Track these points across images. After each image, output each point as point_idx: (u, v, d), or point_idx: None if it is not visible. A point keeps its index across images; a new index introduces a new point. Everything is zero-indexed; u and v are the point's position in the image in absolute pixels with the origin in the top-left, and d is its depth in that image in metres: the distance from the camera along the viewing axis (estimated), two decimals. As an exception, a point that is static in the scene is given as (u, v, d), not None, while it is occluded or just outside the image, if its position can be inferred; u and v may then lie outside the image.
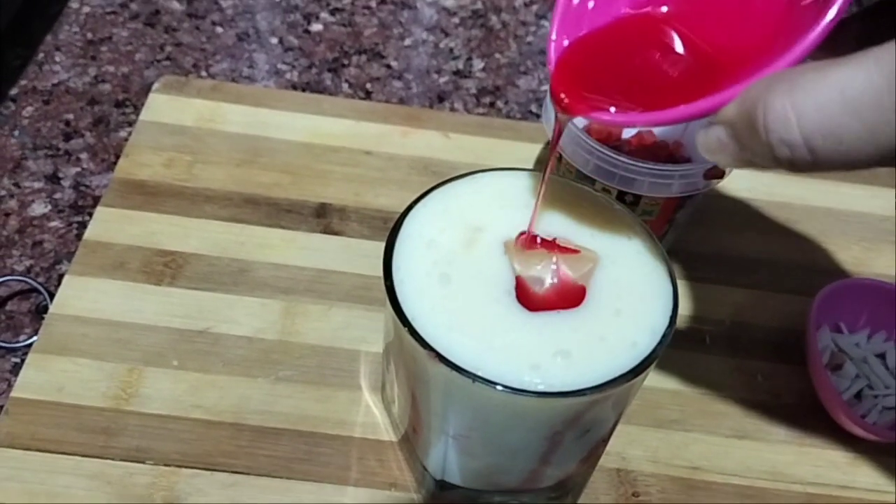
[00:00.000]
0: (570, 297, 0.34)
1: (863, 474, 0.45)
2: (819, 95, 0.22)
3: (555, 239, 0.35)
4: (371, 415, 0.45)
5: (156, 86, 0.59)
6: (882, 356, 0.48)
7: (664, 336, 0.33)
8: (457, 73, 0.66)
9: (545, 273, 0.34)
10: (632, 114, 0.30)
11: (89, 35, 0.65)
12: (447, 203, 0.37)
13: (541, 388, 0.31)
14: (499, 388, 0.31)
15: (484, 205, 0.37)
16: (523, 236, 0.35)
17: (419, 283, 0.34)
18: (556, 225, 0.36)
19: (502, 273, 0.34)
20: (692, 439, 0.46)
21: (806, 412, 0.47)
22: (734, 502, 0.44)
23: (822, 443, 0.46)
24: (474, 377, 0.31)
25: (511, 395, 0.31)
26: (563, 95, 0.32)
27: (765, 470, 0.45)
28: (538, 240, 0.35)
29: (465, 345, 0.32)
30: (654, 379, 0.47)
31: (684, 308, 0.51)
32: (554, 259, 0.35)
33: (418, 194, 0.37)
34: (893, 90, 0.20)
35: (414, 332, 0.32)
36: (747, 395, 0.48)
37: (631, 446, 0.45)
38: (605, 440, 0.39)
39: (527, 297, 0.34)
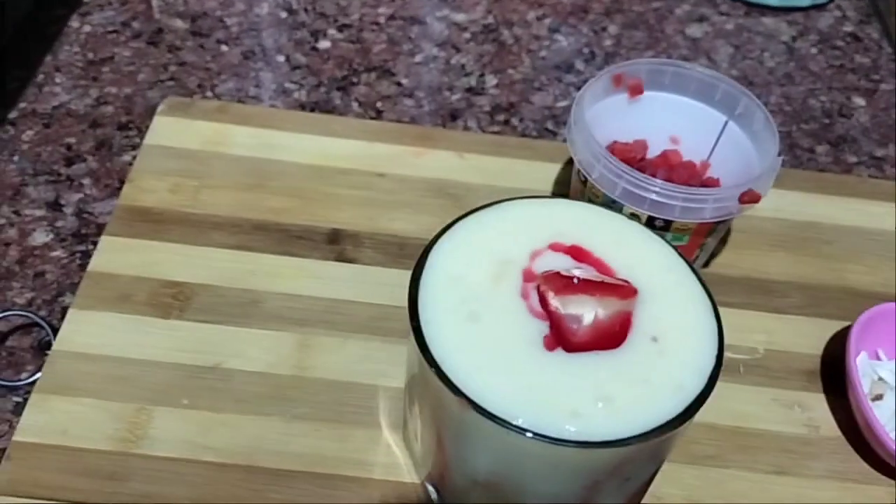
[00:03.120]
0: (609, 336, 0.32)
1: (910, 512, 0.43)
2: None
3: (591, 272, 0.33)
4: (392, 454, 0.42)
5: (160, 108, 0.57)
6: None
7: (712, 377, 0.31)
8: (469, 90, 0.64)
9: (582, 310, 0.32)
10: None
11: (90, 55, 0.63)
12: (473, 235, 0.35)
13: (581, 437, 0.29)
14: (534, 436, 0.29)
15: (511, 236, 0.35)
16: (557, 270, 0.33)
17: (446, 321, 0.32)
18: (590, 256, 0.34)
19: (535, 310, 0.32)
20: (729, 476, 0.43)
21: (847, 446, 0.45)
22: (775, 543, 0.41)
23: (864, 479, 0.44)
24: (509, 425, 0.29)
25: (548, 445, 0.29)
26: None
27: (806, 508, 0.43)
28: (574, 274, 0.33)
29: (497, 389, 0.30)
30: (687, 412, 0.45)
31: (715, 335, 0.49)
32: (591, 295, 0.32)
33: (435, 219, 0.35)
34: None
35: (442, 375, 0.30)
36: (785, 427, 0.45)
37: (666, 485, 0.43)
38: (648, 486, 0.37)
39: (563, 337, 0.32)
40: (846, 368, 0.44)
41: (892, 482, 0.44)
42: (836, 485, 0.44)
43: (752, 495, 0.43)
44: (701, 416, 0.45)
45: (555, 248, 0.34)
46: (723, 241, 0.54)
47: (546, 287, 0.33)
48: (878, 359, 0.47)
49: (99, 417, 0.42)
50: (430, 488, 0.40)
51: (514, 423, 0.29)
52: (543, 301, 0.32)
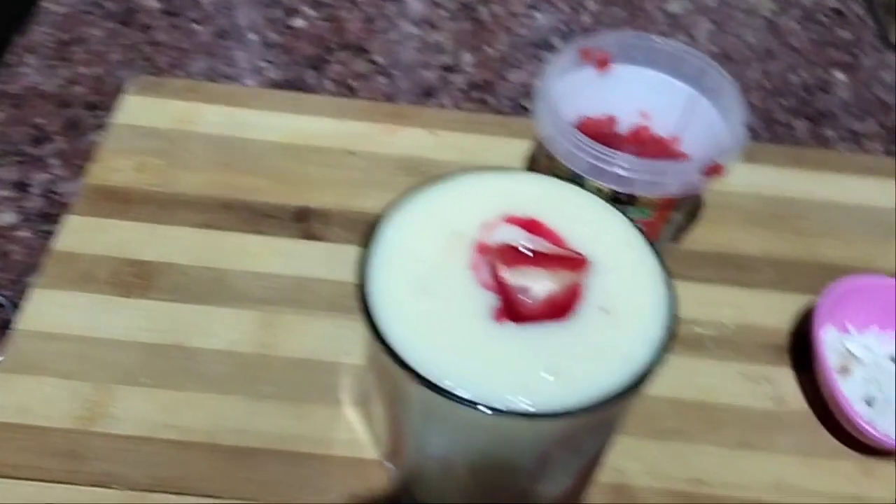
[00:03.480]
0: (559, 308, 0.31)
1: (875, 486, 0.43)
2: None
3: (543, 244, 0.33)
4: (353, 431, 0.42)
5: (130, 87, 0.56)
6: (893, 358, 0.46)
7: (662, 348, 0.31)
8: (445, 67, 0.64)
9: (532, 282, 0.32)
10: None
11: (62, 35, 0.63)
12: (427, 208, 0.34)
13: (529, 409, 0.29)
14: (484, 409, 0.29)
15: (465, 210, 0.34)
16: (510, 242, 0.33)
17: (395, 294, 0.32)
18: (544, 228, 0.34)
19: (486, 283, 0.32)
20: (693, 451, 0.43)
21: (814, 419, 0.45)
22: (739, 518, 0.41)
23: (831, 452, 0.44)
24: (456, 398, 0.29)
25: (497, 418, 0.29)
26: None
27: (770, 482, 0.42)
28: (526, 246, 0.32)
29: (444, 362, 0.30)
30: (653, 387, 0.45)
31: (683, 311, 0.48)
32: (541, 266, 0.32)
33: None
34: None
35: (389, 350, 0.30)
36: (751, 402, 0.45)
37: (629, 459, 0.42)
38: (600, 456, 0.36)
39: (513, 309, 0.31)
40: (812, 342, 0.44)
41: (859, 456, 0.44)
42: (801, 459, 0.43)
43: (717, 470, 0.43)
44: (665, 390, 0.45)
45: (508, 220, 0.34)
46: (695, 217, 0.53)
47: (496, 259, 0.32)
48: (847, 332, 0.47)
49: (61, 396, 0.42)
50: (389, 465, 0.40)
51: (462, 396, 0.29)
52: (494, 273, 0.32)
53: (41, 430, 0.41)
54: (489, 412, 0.29)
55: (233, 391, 0.43)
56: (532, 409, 0.29)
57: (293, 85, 0.61)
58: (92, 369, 0.43)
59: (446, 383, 0.29)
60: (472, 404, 0.29)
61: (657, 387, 0.45)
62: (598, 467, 0.38)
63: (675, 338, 0.31)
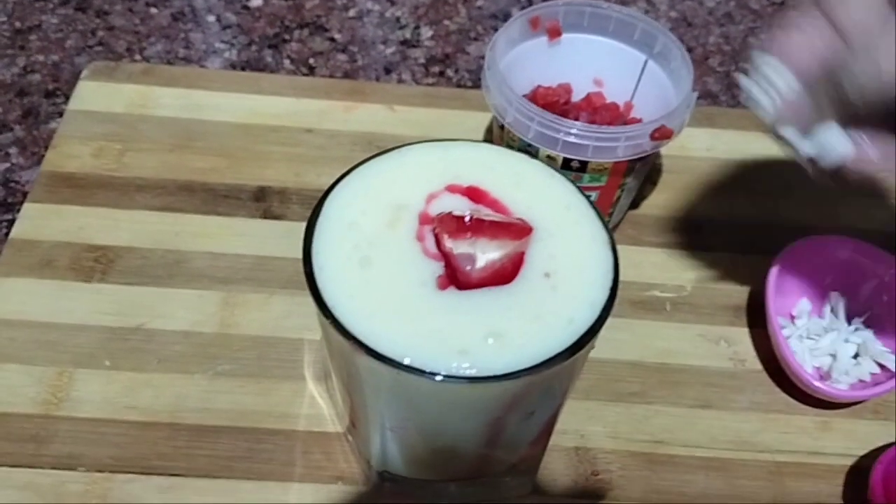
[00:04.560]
0: (502, 273, 0.32)
1: (831, 439, 0.43)
2: None
3: (486, 212, 0.33)
4: (316, 406, 0.43)
5: (84, 73, 0.56)
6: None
7: (603, 310, 0.31)
8: (404, 42, 0.64)
9: (474, 249, 0.32)
10: None
11: (17, 24, 0.62)
12: (369, 181, 0.35)
13: (471, 373, 0.29)
14: (425, 376, 0.29)
15: (408, 181, 0.34)
16: (451, 210, 0.33)
17: (339, 267, 0.32)
18: (487, 196, 0.34)
19: (430, 252, 0.32)
20: (653, 412, 0.44)
21: (771, 378, 0.45)
22: (699, 475, 0.42)
23: (788, 408, 0.44)
24: (399, 366, 0.29)
25: (440, 384, 0.29)
26: None
27: (730, 440, 0.43)
28: (467, 213, 0.33)
29: (388, 331, 0.30)
30: (613, 351, 0.45)
31: (643, 276, 0.49)
32: (484, 234, 0.32)
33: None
34: None
35: (335, 321, 0.30)
36: (710, 362, 0.46)
37: (589, 423, 0.43)
38: (554, 420, 0.37)
39: (455, 277, 0.31)
40: (765, 302, 0.44)
41: (816, 411, 0.44)
42: (760, 416, 0.44)
43: (677, 429, 0.43)
44: (626, 354, 0.45)
45: (452, 189, 0.34)
46: (654, 183, 0.54)
47: (440, 228, 0.32)
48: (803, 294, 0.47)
49: (21, 382, 0.42)
50: (350, 438, 0.40)
51: (406, 364, 0.29)
52: (437, 242, 0.32)
53: (4, 416, 0.41)
54: (433, 378, 0.29)
55: (194, 370, 0.43)
56: (469, 373, 0.29)
57: (252, 65, 0.61)
58: (53, 354, 0.43)
59: (391, 352, 0.29)
60: (416, 371, 0.29)
61: (618, 351, 0.46)
62: (554, 432, 0.39)
63: (615, 300, 0.31)
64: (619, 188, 0.46)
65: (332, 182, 0.35)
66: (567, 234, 0.33)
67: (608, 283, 0.32)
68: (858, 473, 0.42)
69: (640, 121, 0.48)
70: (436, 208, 0.33)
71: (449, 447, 0.35)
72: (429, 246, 0.32)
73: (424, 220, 0.33)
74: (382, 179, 0.35)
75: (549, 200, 0.34)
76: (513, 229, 0.33)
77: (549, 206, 0.34)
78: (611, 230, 0.34)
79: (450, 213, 0.33)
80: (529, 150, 0.43)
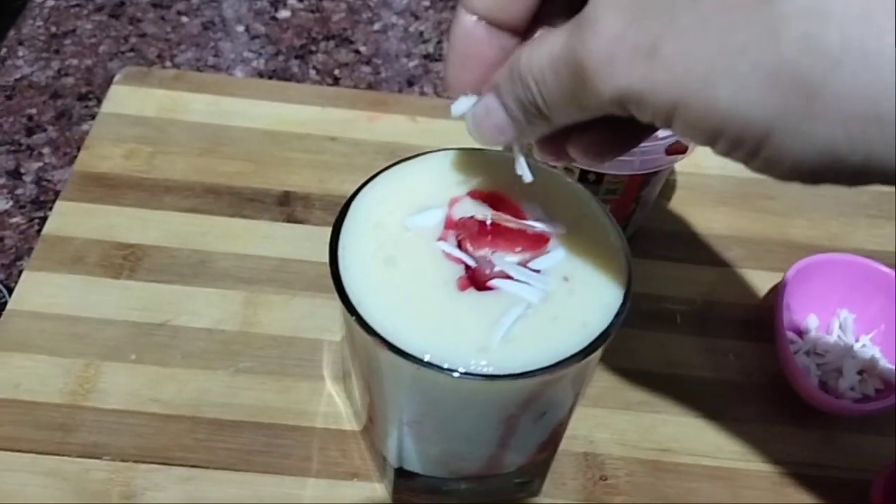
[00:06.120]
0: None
1: (835, 452, 0.44)
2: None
3: (505, 217, 0.34)
4: (333, 404, 0.44)
5: (117, 77, 0.58)
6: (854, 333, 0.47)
7: (617, 315, 0.32)
8: (427, 56, 0.65)
9: (494, 252, 0.33)
10: None
11: (53, 29, 0.64)
12: (396, 184, 0.36)
13: (488, 370, 0.30)
14: (444, 372, 0.30)
15: (433, 185, 0.36)
16: (473, 216, 0.34)
17: (364, 266, 0.33)
18: (508, 203, 0.35)
19: (451, 254, 0.34)
20: (661, 421, 0.45)
21: (778, 391, 0.46)
22: (704, 484, 0.43)
23: (793, 421, 0.45)
24: (420, 362, 0.30)
25: (459, 380, 0.30)
26: None
27: (735, 450, 0.44)
28: (489, 219, 0.34)
29: (410, 328, 0.31)
30: (623, 360, 0.47)
31: (655, 288, 0.50)
32: (503, 237, 0.34)
33: (375, 177, 0.36)
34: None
35: (359, 318, 0.32)
36: (718, 374, 0.47)
37: (598, 429, 0.44)
38: (565, 423, 0.38)
39: (475, 278, 0.33)
40: (774, 318, 0.46)
41: (821, 424, 0.45)
42: (765, 428, 0.45)
43: (684, 438, 0.44)
44: (636, 363, 0.46)
45: (474, 195, 0.35)
46: (668, 198, 0.55)
47: (461, 232, 0.34)
48: (811, 310, 0.48)
49: (50, 372, 0.44)
50: (367, 435, 0.41)
51: (423, 358, 0.30)
52: (459, 244, 0.34)
53: (33, 404, 0.43)
54: (451, 374, 0.30)
55: (216, 366, 0.45)
56: (491, 371, 0.30)
57: (279, 74, 0.62)
58: (81, 346, 0.45)
59: (412, 349, 0.31)
60: (436, 367, 0.30)
61: (628, 360, 0.47)
62: (564, 437, 0.40)
63: (629, 306, 0.33)
64: (633, 201, 0.47)
65: (354, 188, 0.36)
66: (585, 240, 0.35)
67: (622, 289, 0.33)
68: (860, 487, 0.43)
69: (655, 135, 0.49)
70: (458, 212, 0.35)
71: (463, 444, 0.37)
72: (451, 248, 0.34)
73: (447, 223, 0.35)
74: (408, 183, 0.36)
75: (568, 209, 0.36)
76: (531, 235, 0.34)
77: (568, 214, 0.35)
78: (624, 239, 0.35)
79: (472, 217, 0.34)
80: (544, 163, 0.44)
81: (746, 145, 0.21)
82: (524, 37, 0.29)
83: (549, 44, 0.25)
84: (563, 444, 0.41)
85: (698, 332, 0.48)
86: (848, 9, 0.19)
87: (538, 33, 0.30)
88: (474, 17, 0.28)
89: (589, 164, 0.44)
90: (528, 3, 0.28)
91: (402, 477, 0.40)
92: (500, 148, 0.34)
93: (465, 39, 0.29)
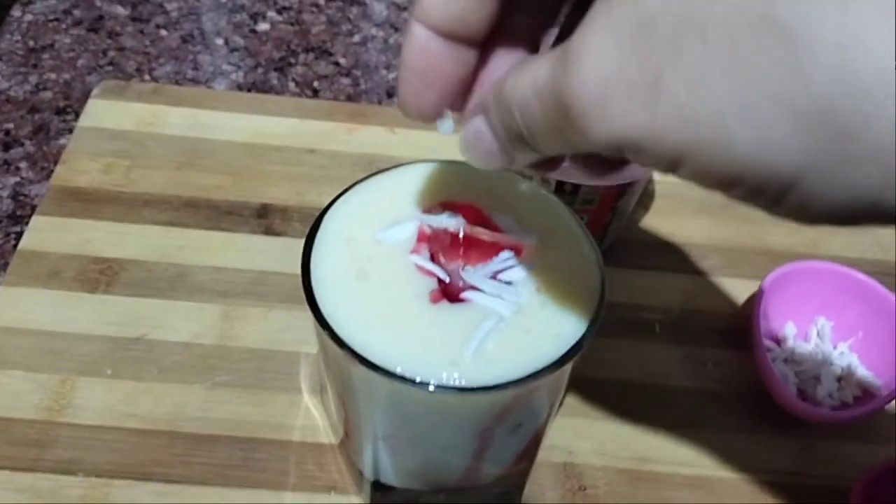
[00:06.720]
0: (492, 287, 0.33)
1: (813, 459, 0.44)
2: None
3: (478, 229, 0.34)
4: (311, 417, 0.44)
5: (95, 91, 0.58)
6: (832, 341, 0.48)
7: (590, 325, 0.32)
8: (406, 68, 0.65)
9: (466, 265, 0.33)
10: None
11: (31, 43, 0.64)
12: (368, 198, 0.36)
13: (461, 383, 0.30)
14: (417, 386, 0.30)
15: (406, 198, 0.36)
16: (445, 228, 0.34)
17: (336, 280, 0.33)
18: (481, 215, 0.35)
19: (423, 268, 0.34)
20: (640, 430, 0.45)
21: (756, 399, 0.46)
22: (683, 493, 0.43)
23: (772, 429, 0.45)
24: (392, 375, 0.30)
25: (431, 393, 0.30)
26: None
27: (714, 459, 0.44)
28: (461, 231, 0.34)
29: (382, 342, 0.31)
30: (602, 370, 0.47)
31: (633, 297, 0.50)
32: (476, 250, 0.34)
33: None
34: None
35: (331, 332, 0.31)
36: (697, 383, 0.47)
37: (577, 439, 0.44)
38: (541, 434, 0.38)
39: (448, 291, 0.33)
40: (752, 326, 0.46)
41: (798, 432, 0.45)
42: (744, 437, 0.45)
43: (663, 448, 0.44)
44: (614, 372, 0.47)
45: (446, 207, 0.35)
46: (646, 207, 0.55)
47: (433, 245, 0.34)
48: (789, 318, 0.49)
49: (25, 388, 0.43)
50: (343, 449, 0.41)
51: (395, 372, 0.30)
52: (432, 258, 0.34)
53: (8, 420, 0.42)
54: (424, 388, 0.30)
55: (193, 380, 0.44)
56: (464, 384, 0.30)
57: (258, 87, 0.62)
58: (57, 362, 0.44)
59: (385, 362, 0.31)
60: (408, 381, 0.30)
61: (607, 370, 0.47)
62: (542, 448, 0.40)
63: (602, 316, 0.33)
64: (610, 211, 0.47)
65: (332, 199, 0.36)
66: (557, 251, 0.35)
67: (595, 300, 0.33)
68: (839, 494, 0.43)
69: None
70: (431, 225, 0.35)
71: (438, 457, 0.36)
72: (423, 261, 0.34)
73: (420, 236, 0.35)
74: (380, 196, 0.36)
75: (541, 220, 0.36)
76: (504, 246, 0.34)
77: (542, 226, 0.36)
78: (599, 249, 0.35)
79: (444, 229, 0.34)
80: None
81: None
82: (484, 48, 0.28)
83: (532, 70, 0.23)
84: (542, 455, 0.41)
85: (677, 341, 0.48)
86: (885, 40, 0.16)
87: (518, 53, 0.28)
88: (429, 31, 0.27)
89: (589, 182, 0.44)
90: (489, 13, 0.26)
91: (379, 490, 0.40)
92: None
93: (420, 55, 0.28)
